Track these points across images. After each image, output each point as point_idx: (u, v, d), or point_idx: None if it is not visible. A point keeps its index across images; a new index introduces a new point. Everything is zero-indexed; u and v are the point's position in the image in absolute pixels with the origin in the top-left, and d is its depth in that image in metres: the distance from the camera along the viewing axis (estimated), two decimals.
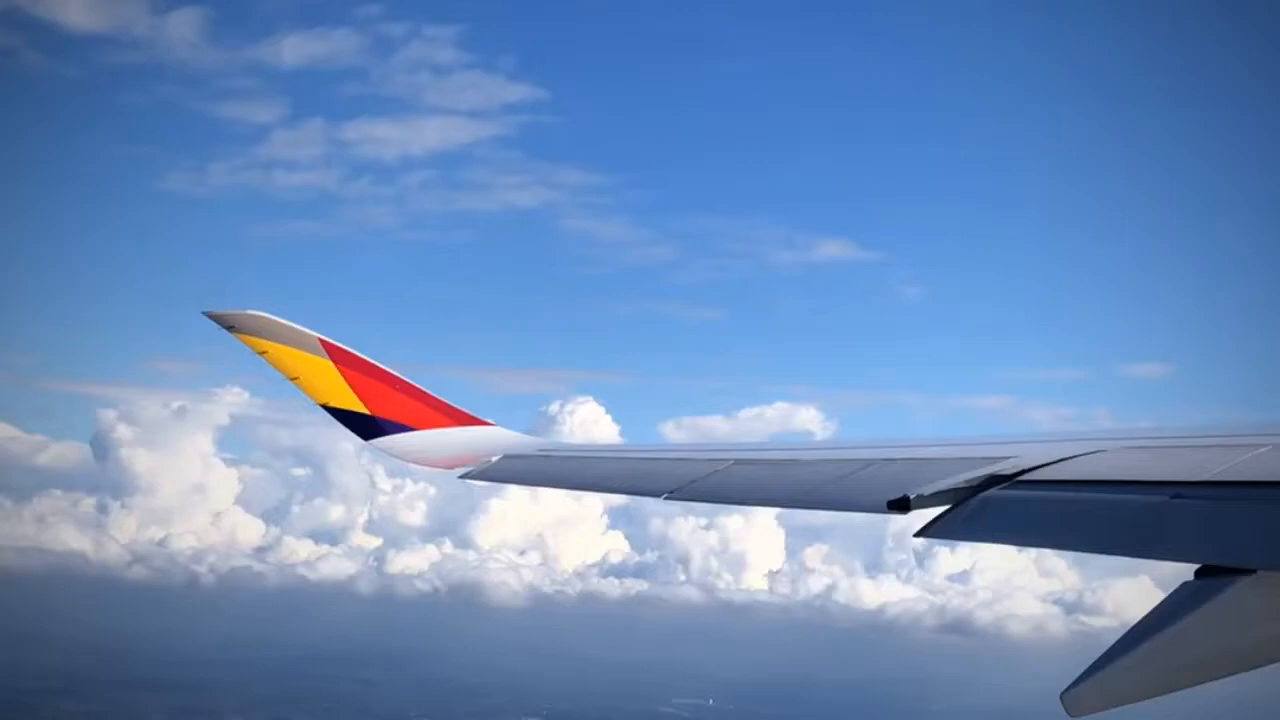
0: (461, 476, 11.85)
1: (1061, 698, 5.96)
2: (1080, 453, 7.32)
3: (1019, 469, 7.26)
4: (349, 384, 12.54)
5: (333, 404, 12.57)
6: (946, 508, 7.24)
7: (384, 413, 12.53)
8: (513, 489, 74.24)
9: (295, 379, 12.58)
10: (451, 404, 12.70)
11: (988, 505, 7.13)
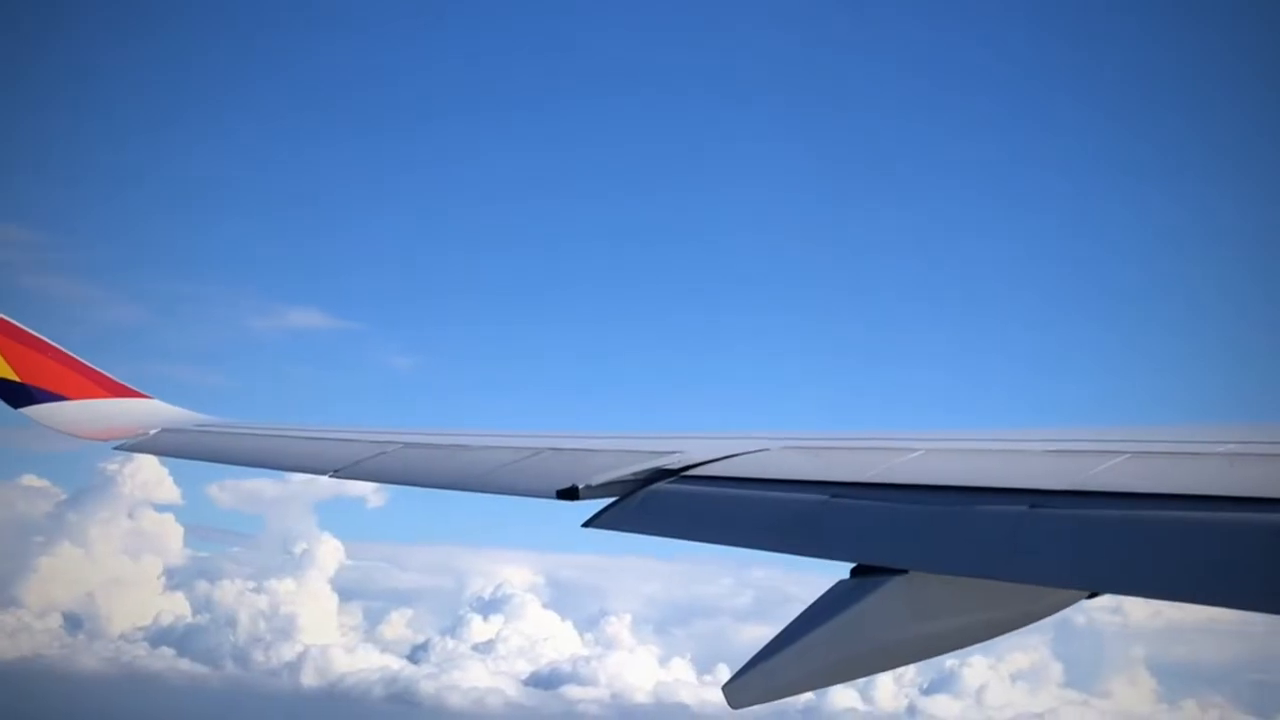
0: (116, 448, 11.49)
1: (723, 689, 6.10)
2: (744, 450, 7.47)
3: (685, 464, 7.37)
4: None
5: None
6: (614, 499, 7.36)
7: (35, 380, 11.96)
8: (66, 547, 71.94)
9: None
10: (111, 376, 12.26)
11: (653, 499, 7.21)
